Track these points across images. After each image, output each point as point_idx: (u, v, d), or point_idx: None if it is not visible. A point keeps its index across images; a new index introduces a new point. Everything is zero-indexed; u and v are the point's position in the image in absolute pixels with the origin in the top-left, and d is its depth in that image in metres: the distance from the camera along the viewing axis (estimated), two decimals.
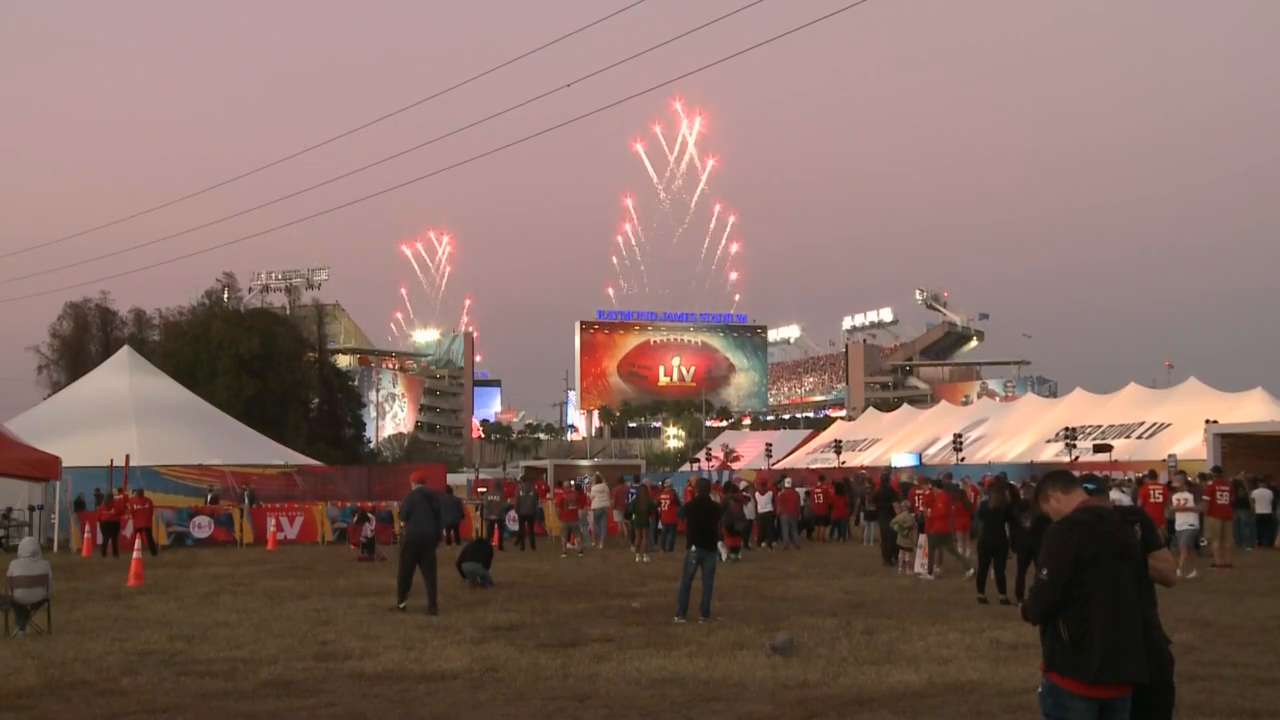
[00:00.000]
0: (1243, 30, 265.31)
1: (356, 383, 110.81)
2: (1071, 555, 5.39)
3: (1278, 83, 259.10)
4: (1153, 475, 28.39)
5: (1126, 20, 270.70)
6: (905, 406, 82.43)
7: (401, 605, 16.52)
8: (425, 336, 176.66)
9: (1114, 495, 23.03)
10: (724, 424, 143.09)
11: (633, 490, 31.84)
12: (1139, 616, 5.43)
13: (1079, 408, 55.94)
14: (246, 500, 34.42)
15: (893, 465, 53.22)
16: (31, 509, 30.03)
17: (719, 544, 17.93)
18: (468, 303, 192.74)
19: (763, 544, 28.98)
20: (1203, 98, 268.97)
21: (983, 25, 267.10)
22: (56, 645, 13.39)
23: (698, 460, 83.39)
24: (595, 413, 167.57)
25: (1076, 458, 45.53)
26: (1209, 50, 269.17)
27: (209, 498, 34.48)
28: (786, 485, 31.33)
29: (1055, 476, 5.95)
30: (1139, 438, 48.71)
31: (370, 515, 28.18)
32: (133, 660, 12.42)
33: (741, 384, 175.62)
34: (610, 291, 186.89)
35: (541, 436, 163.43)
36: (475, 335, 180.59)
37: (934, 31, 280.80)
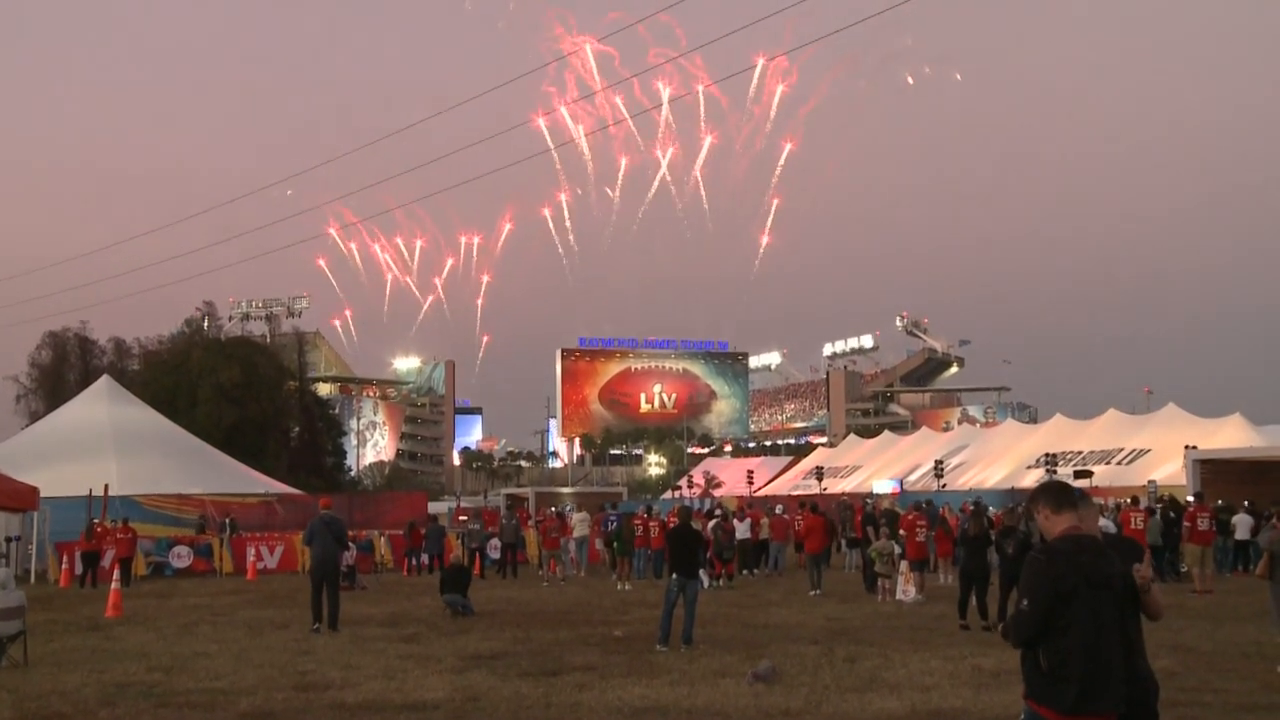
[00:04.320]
0: (1224, 55, 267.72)
1: (337, 411, 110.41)
2: (1050, 586, 5.34)
3: (1258, 106, 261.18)
4: (1134, 501, 28.51)
5: (1106, 46, 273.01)
6: (886, 433, 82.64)
7: (315, 627, 17.44)
8: (406, 364, 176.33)
9: (1099, 522, 23.22)
10: (705, 451, 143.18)
11: (613, 518, 31.80)
12: (1119, 647, 5.36)
13: (1059, 433, 56.12)
14: (227, 529, 34.22)
15: (874, 492, 53.30)
16: (9, 540, 29.78)
17: (700, 571, 17.92)
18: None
19: (743, 571, 28.94)
20: (1184, 121, 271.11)
21: (964, 50, 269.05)
22: (33, 678, 13.26)
23: (679, 487, 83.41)
24: (577, 440, 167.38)
25: None
26: (1189, 75, 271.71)
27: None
28: (777, 512, 31.36)
29: (1048, 491, 5.75)
30: (1119, 463, 48.86)
31: (350, 544, 28.02)
32: (110, 692, 12.31)
33: (723, 411, 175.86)
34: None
35: (523, 464, 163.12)
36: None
37: (913, 59, 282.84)
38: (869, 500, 41.11)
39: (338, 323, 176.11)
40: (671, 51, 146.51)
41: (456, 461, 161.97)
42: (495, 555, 32.28)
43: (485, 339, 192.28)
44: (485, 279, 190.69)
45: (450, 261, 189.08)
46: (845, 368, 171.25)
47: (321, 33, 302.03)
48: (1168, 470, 42.29)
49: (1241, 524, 26.96)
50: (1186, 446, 38.22)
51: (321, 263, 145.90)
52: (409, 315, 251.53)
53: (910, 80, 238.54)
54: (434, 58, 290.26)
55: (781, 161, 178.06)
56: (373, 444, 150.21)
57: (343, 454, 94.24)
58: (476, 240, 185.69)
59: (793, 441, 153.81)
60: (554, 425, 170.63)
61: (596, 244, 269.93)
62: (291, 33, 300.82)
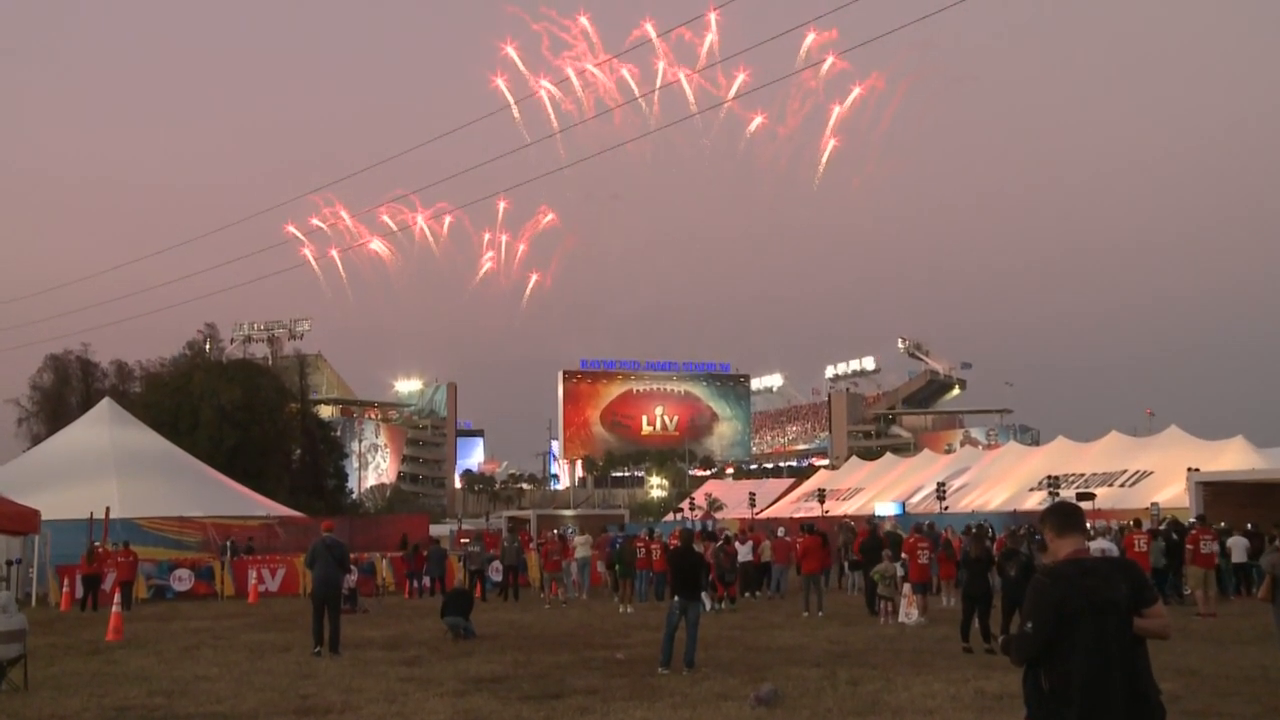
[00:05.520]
0: (1228, 79, 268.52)
1: (339, 433, 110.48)
2: (1054, 610, 5.34)
3: (1253, 131, 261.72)
4: (1136, 524, 28.48)
5: (1110, 65, 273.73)
6: (888, 455, 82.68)
7: (316, 650, 17.38)
8: (408, 386, 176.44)
9: (1101, 544, 23.19)
10: (707, 473, 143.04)
11: (617, 540, 31.73)
12: (1120, 672, 5.35)
13: (1061, 456, 56.14)
14: (229, 552, 34.17)
15: (876, 514, 53.22)
16: (10, 563, 29.75)
17: (702, 593, 17.89)
18: None
19: (745, 593, 28.89)
20: (1186, 145, 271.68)
21: (972, 73, 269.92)
22: (33, 702, 13.23)
23: (681, 510, 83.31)
24: (578, 462, 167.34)
25: None
26: (1188, 95, 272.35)
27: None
28: (779, 535, 31.34)
29: (1053, 514, 5.77)
30: (1121, 486, 48.85)
31: (352, 567, 27.98)
32: (111, 716, 12.29)
33: (724, 433, 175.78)
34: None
35: (525, 486, 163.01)
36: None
37: (910, 83, 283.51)
38: (876, 521, 40.94)
39: (309, 252, 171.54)
40: (689, 69, 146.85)
41: (458, 484, 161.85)
42: (497, 578, 32.24)
43: (533, 278, 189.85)
44: (523, 249, 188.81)
45: (489, 256, 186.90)
46: (847, 390, 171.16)
47: (326, 51, 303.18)
48: (1170, 492, 42.28)
49: (1237, 546, 26.86)
50: (1189, 469, 38.24)
51: (292, 228, 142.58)
52: (409, 328, 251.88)
53: (928, 106, 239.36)
54: (443, 71, 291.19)
55: (822, 165, 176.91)
56: (374, 466, 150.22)
57: (344, 476, 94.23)
58: (504, 207, 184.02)
59: (795, 464, 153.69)
60: (556, 447, 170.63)
61: (599, 263, 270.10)
62: (296, 51, 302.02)
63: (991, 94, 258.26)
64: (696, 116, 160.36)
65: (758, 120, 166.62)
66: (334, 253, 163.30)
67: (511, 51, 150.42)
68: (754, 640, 19.06)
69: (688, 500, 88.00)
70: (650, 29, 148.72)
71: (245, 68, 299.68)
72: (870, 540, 27.57)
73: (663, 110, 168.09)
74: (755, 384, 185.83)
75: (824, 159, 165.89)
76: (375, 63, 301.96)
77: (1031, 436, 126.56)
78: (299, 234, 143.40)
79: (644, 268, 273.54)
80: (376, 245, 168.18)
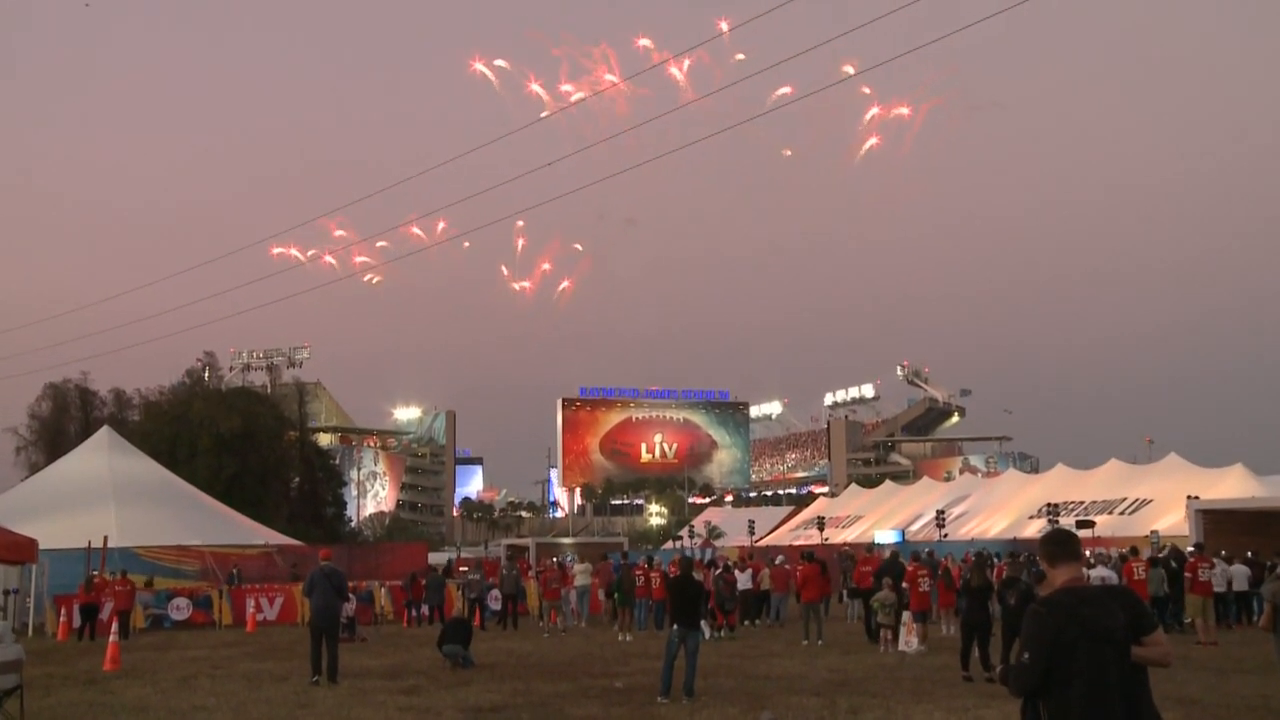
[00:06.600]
0: (1233, 106, 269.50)
1: (338, 461, 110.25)
2: (1050, 640, 5.33)
3: (1258, 156, 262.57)
4: (1134, 551, 28.42)
5: (1111, 90, 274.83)
6: (887, 483, 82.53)
7: (314, 680, 17.34)
8: (407, 414, 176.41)
9: (1101, 572, 23.15)
10: (707, 501, 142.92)
11: (619, 566, 31.70)
12: (1119, 701, 5.34)
13: (1061, 483, 56.02)
14: (235, 581, 34.09)
15: (875, 542, 53.13)
16: (7, 592, 29.67)
17: (701, 622, 17.87)
18: None
19: (744, 622, 28.83)
20: (1180, 172, 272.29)
21: (975, 98, 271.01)
22: None
23: (680, 538, 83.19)
24: (577, 490, 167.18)
25: None
26: (1193, 122, 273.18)
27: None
28: (778, 563, 31.30)
29: (1047, 543, 5.78)
30: (1121, 513, 48.74)
31: (350, 595, 27.90)
32: None
33: (724, 460, 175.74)
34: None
35: (524, 514, 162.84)
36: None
37: (925, 111, 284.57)
38: (894, 547, 40.80)
39: (309, 275, 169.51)
40: (694, 95, 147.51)
41: (457, 512, 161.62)
42: (496, 606, 32.18)
43: (564, 283, 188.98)
44: (546, 268, 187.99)
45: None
46: (846, 417, 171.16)
47: (330, 73, 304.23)
48: (1170, 520, 42.18)
49: (1238, 575, 26.75)
50: (1188, 496, 38.16)
51: (284, 249, 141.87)
52: (407, 356, 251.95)
53: (935, 136, 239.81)
54: (454, 92, 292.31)
55: (861, 153, 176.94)
56: (373, 494, 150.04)
57: (343, 504, 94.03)
58: (521, 224, 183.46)
59: (794, 491, 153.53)
60: (555, 475, 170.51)
61: (603, 288, 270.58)
62: (298, 74, 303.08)
63: (992, 120, 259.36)
64: (707, 139, 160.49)
65: (784, 149, 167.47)
66: (332, 266, 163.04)
67: (502, 63, 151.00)
68: (753, 669, 19.01)
69: (687, 528, 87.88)
70: (648, 41, 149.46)
71: (247, 87, 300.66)
72: (888, 565, 27.20)
73: (674, 133, 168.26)
74: (754, 411, 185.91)
75: (864, 149, 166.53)
76: (380, 80, 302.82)
77: (1031, 464, 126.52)
78: (300, 258, 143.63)
79: (645, 293, 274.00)
80: (375, 274, 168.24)
